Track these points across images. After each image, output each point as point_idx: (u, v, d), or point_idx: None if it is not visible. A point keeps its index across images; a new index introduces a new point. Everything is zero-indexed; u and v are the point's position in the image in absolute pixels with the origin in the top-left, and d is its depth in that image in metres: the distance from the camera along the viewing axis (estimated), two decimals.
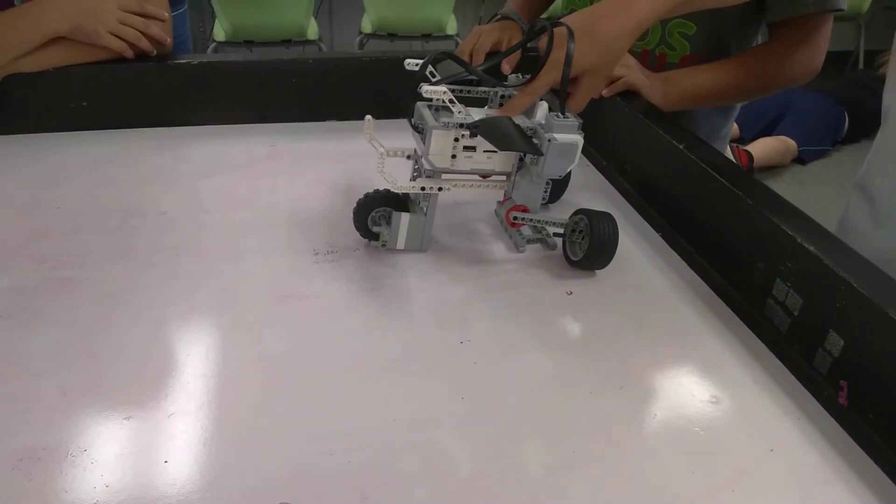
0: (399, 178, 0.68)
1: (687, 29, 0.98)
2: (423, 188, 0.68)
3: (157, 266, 0.68)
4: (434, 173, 0.68)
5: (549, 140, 0.65)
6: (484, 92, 0.74)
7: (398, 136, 0.75)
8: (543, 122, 0.68)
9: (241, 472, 0.47)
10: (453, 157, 0.67)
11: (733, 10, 0.97)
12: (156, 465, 0.47)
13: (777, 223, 0.63)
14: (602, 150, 0.96)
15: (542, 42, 0.69)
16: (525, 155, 0.69)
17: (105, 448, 0.48)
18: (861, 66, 3.86)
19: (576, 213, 0.71)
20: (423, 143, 0.67)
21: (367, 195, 0.70)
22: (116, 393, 0.53)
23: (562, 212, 0.75)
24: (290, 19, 2.89)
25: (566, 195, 0.85)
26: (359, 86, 1.01)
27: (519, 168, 0.71)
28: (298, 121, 1.02)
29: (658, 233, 0.79)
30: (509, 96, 0.74)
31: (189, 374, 0.55)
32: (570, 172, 0.83)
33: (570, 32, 0.65)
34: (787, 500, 0.49)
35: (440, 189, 0.69)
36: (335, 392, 0.55)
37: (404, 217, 0.69)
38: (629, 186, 0.88)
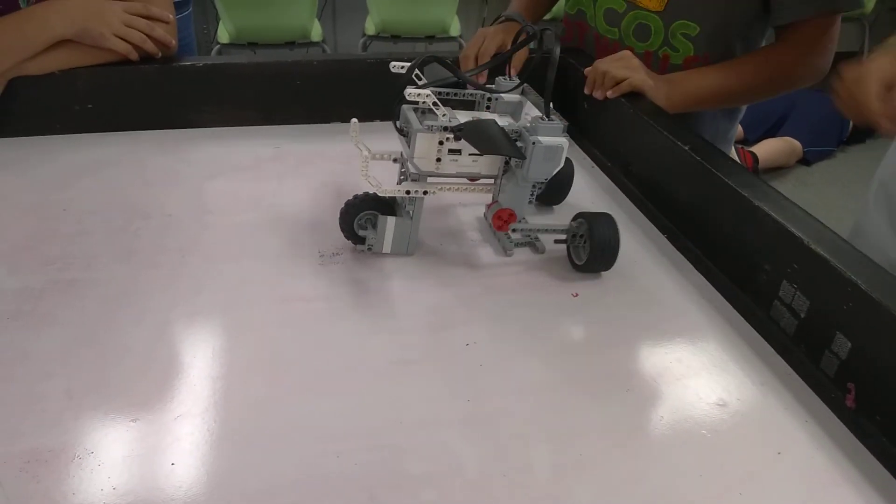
0: (386, 182, 0.68)
1: (690, 30, 0.98)
2: (408, 192, 0.68)
3: (163, 267, 0.68)
4: (419, 176, 0.68)
5: (534, 143, 0.65)
6: (472, 95, 0.74)
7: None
8: (529, 124, 0.67)
9: (248, 473, 0.47)
10: (438, 160, 0.66)
11: (738, 11, 0.97)
12: (163, 467, 0.47)
13: (784, 225, 0.62)
14: (606, 152, 0.96)
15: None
16: (510, 158, 0.69)
17: (112, 450, 0.48)
18: None
19: (576, 217, 0.71)
20: (409, 147, 0.67)
21: (353, 198, 0.70)
22: (123, 395, 0.53)
23: (565, 215, 0.75)
24: (294, 21, 2.89)
25: (570, 197, 0.84)
26: (363, 88, 1.01)
27: (505, 171, 0.71)
28: (303, 123, 1.02)
29: (664, 234, 0.79)
30: (497, 99, 0.74)
31: (195, 376, 0.55)
32: (572, 174, 0.83)
33: (557, 37, 0.65)
34: (794, 502, 0.49)
35: (425, 193, 0.68)
36: (341, 393, 0.55)
37: (390, 221, 0.69)
38: (634, 188, 0.88)
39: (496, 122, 0.66)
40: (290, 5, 2.83)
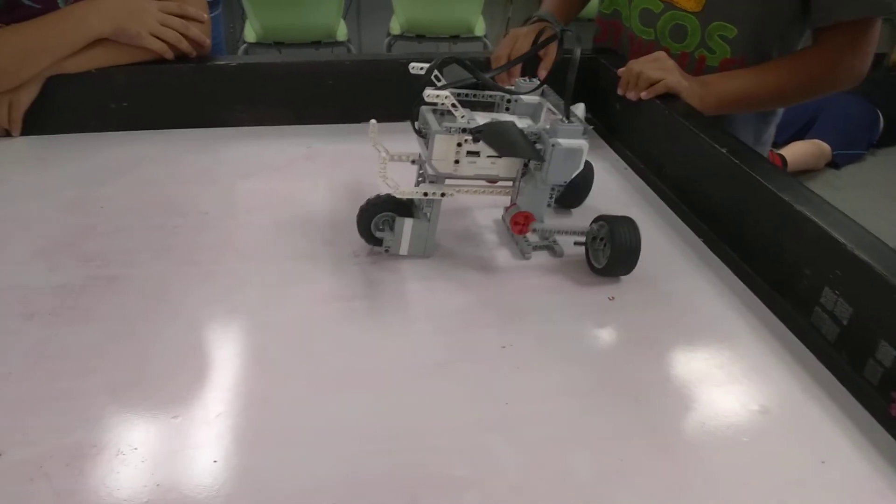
0: (404, 184, 0.67)
1: (727, 32, 0.97)
2: (425, 193, 0.68)
3: (200, 265, 0.69)
4: (437, 178, 0.68)
5: (553, 145, 0.64)
6: (491, 97, 0.74)
7: None
8: (548, 126, 0.67)
9: (289, 472, 0.48)
10: (456, 161, 0.66)
11: (776, 13, 0.95)
12: (205, 464, 0.48)
13: (826, 230, 0.62)
14: (639, 153, 0.95)
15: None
16: (529, 160, 0.68)
17: (155, 446, 0.49)
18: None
19: (596, 219, 0.70)
20: (427, 148, 0.67)
21: (370, 200, 0.70)
22: (163, 391, 0.54)
23: (584, 217, 0.74)
24: (320, 21, 2.90)
25: (597, 198, 0.84)
26: (394, 88, 1.01)
27: (524, 174, 0.70)
28: (334, 122, 1.02)
29: (700, 237, 0.78)
30: (516, 101, 0.73)
31: (235, 374, 0.56)
32: (592, 177, 0.82)
33: (578, 38, 0.65)
34: None
35: (443, 195, 0.68)
36: (381, 393, 0.55)
37: (407, 222, 0.69)
38: (668, 190, 0.87)
39: (515, 124, 0.65)
40: (316, 5, 2.84)
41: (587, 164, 0.76)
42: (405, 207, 0.70)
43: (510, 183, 0.72)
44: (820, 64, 0.94)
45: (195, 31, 0.96)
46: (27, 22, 0.87)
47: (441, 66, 0.66)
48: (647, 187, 0.90)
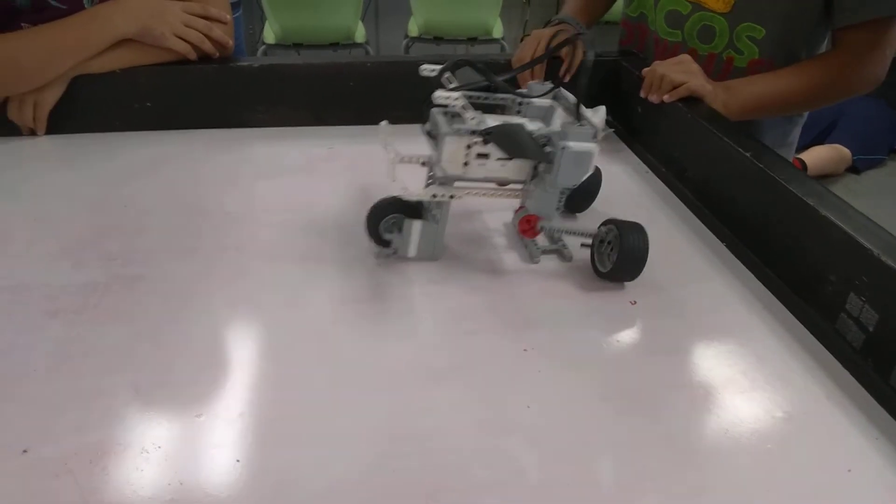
0: (415, 186, 0.67)
1: (756, 33, 0.96)
2: (434, 195, 0.67)
3: (223, 265, 0.69)
4: (447, 180, 0.67)
5: (563, 148, 0.64)
6: (503, 99, 0.73)
7: None
8: (559, 129, 0.66)
9: (311, 472, 0.48)
10: (465, 164, 0.66)
11: (804, 13, 0.95)
12: (228, 463, 0.48)
13: (852, 235, 0.61)
14: (661, 156, 0.94)
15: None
16: (539, 163, 0.68)
17: (178, 445, 0.49)
18: None
19: (605, 223, 0.70)
20: (436, 150, 0.66)
21: (378, 202, 0.69)
22: (187, 390, 0.54)
23: (590, 221, 0.73)
24: (339, 22, 2.92)
25: (617, 202, 0.83)
26: (414, 89, 1.00)
27: (533, 177, 0.69)
28: (355, 124, 1.03)
29: (722, 242, 0.77)
30: (528, 104, 0.73)
31: (257, 374, 0.56)
32: (600, 181, 0.81)
33: (592, 42, 0.65)
34: None
35: (451, 197, 0.68)
36: (403, 394, 0.55)
37: (416, 224, 0.68)
38: (689, 193, 0.86)
39: (524, 127, 0.65)
40: (335, 7, 2.86)
41: (595, 168, 0.75)
42: (414, 210, 0.70)
43: (520, 186, 0.72)
44: (840, 66, 0.94)
45: (218, 32, 0.97)
46: (53, 22, 0.88)
47: (453, 68, 0.66)
48: (669, 191, 0.90)
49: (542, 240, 0.74)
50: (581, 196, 0.79)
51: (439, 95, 0.61)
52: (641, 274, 0.68)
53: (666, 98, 0.90)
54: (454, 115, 0.66)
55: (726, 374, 0.59)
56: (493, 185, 0.71)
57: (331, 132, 1.00)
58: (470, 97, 0.67)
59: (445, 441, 0.51)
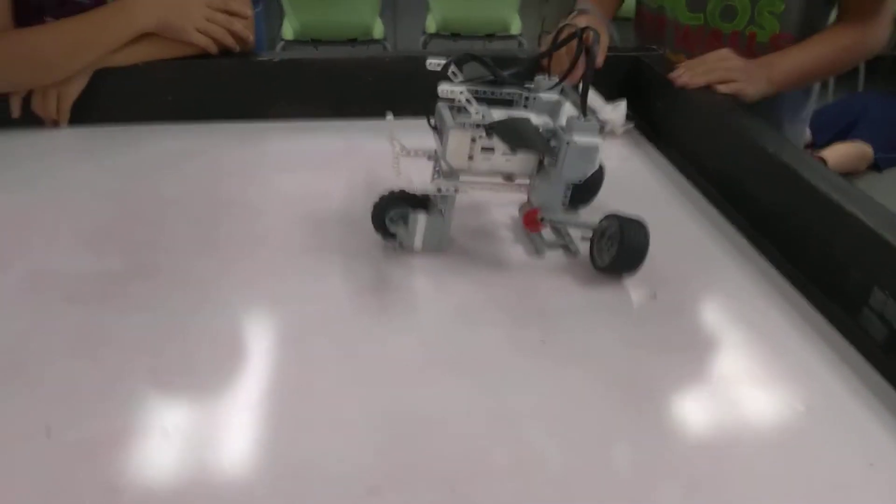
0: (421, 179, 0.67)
1: (776, 7, 1.02)
2: (439, 189, 0.67)
3: (244, 257, 0.70)
4: (452, 174, 0.67)
5: (568, 142, 0.64)
6: (509, 94, 0.73)
7: None
8: (564, 123, 0.66)
9: (330, 457, 0.48)
10: (470, 157, 0.65)
11: None
12: (247, 448, 0.48)
13: (875, 230, 0.60)
14: (683, 151, 0.94)
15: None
16: (545, 157, 0.67)
17: (198, 430, 0.50)
18: None
19: (606, 217, 0.69)
20: (441, 143, 0.66)
21: (385, 194, 0.69)
22: (207, 378, 0.55)
23: (594, 215, 0.73)
24: (357, 19, 2.93)
25: (639, 197, 0.82)
26: (433, 85, 1.01)
27: (539, 171, 0.69)
28: (374, 118, 1.03)
29: (744, 236, 0.77)
30: (534, 98, 0.73)
31: (277, 362, 0.57)
32: (602, 176, 0.80)
33: (597, 37, 0.65)
34: None
35: (456, 190, 0.68)
36: (422, 383, 0.55)
37: (421, 217, 0.68)
38: (711, 188, 0.86)
39: (529, 120, 0.65)
40: (353, 3, 2.87)
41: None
42: (421, 203, 0.70)
43: (526, 180, 0.71)
44: (855, 30, 1.01)
45: (239, 26, 0.97)
46: (77, 16, 0.89)
47: (459, 62, 0.66)
48: (690, 185, 0.89)
49: (548, 234, 0.74)
50: (585, 190, 0.79)
51: (444, 89, 0.62)
52: (660, 267, 0.67)
53: (700, 82, 0.91)
54: (460, 109, 0.66)
55: (746, 366, 0.59)
56: (498, 180, 0.71)
57: (350, 126, 1.00)
58: (478, 92, 0.67)
59: (463, 428, 0.51)
